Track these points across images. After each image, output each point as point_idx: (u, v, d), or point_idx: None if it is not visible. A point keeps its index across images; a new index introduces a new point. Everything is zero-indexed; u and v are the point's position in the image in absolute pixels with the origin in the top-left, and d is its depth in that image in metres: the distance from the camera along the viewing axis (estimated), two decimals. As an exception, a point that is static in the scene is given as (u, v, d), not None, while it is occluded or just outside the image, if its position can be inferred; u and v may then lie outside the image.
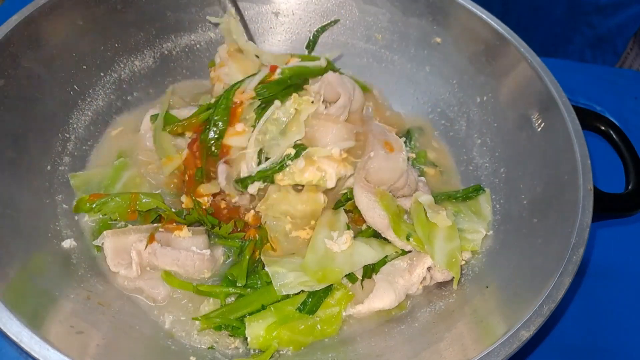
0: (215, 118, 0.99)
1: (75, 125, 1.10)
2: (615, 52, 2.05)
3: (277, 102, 1.00)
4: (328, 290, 0.90)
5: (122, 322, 0.85)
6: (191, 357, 0.84)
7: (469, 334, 0.85)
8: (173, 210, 0.98)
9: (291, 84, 1.05)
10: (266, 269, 0.89)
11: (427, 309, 0.94)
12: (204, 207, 0.98)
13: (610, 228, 1.22)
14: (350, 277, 0.92)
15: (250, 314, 0.88)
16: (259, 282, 0.91)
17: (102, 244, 0.91)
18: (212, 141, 1.00)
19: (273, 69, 1.06)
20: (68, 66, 1.09)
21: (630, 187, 1.02)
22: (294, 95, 1.01)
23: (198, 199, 0.98)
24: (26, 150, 0.97)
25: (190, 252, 0.91)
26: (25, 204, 0.92)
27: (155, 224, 0.96)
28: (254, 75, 1.07)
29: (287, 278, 0.87)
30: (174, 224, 0.95)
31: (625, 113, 1.42)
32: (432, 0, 1.22)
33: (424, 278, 0.94)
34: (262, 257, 0.92)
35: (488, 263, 0.97)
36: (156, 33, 1.24)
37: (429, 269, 0.94)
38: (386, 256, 0.95)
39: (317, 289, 0.88)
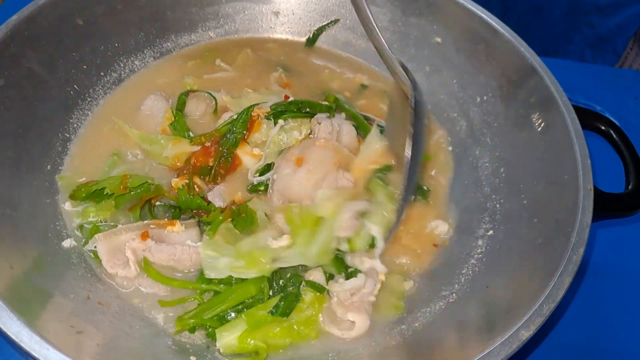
0: (234, 129, 1.06)
1: (75, 125, 1.10)
2: (615, 52, 2.05)
3: (281, 121, 1.07)
4: (298, 293, 0.90)
5: (122, 322, 0.85)
6: (191, 357, 0.84)
7: (469, 333, 0.86)
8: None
9: (302, 107, 1.11)
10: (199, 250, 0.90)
11: (427, 309, 0.94)
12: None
13: (610, 228, 1.22)
14: (316, 287, 0.92)
15: (223, 314, 0.87)
16: (234, 279, 0.90)
17: (95, 247, 0.91)
18: (228, 147, 1.05)
19: (286, 97, 1.14)
20: (68, 66, 1.09)
21: (630, 187, 1.02)
22: (300, 119, 1.08)
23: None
24: (26, 150, 0.97)
25: (186, 247, 0.90)
26: (26, 203, 0.92)
27: (146, 221, 0.95)
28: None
29: (218, 262, 0.88)
30: (165, 219, 0.96)
31: (625, 113, 1.42)
32: (432, 0, 1.22)
33: (373, 282, 0.93)
34: (203, 240, 0.92)
35: (488, 263, 0.97)
36: (156, 33, 1.24)
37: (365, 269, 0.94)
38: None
39: (247, 277, 0.88)
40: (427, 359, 0.83)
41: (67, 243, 0.93)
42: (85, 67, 1.12)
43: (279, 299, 0.89)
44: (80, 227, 0.96)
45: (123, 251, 0.90)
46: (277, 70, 1.25)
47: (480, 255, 1.00)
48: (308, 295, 0.91)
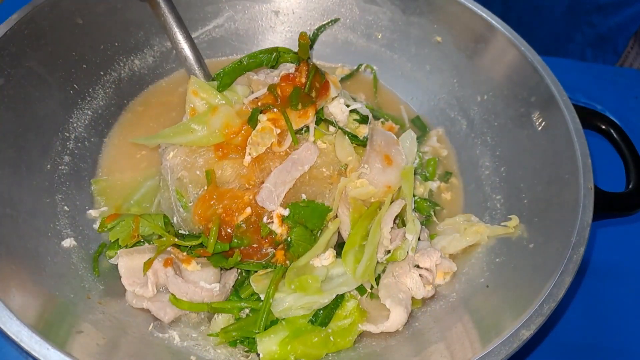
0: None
1: (75, 125, 1.09)
2: (615, 51, 2.05)
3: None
4: (338, 302, 0.89)
5: (122, 322, 0.85)
6: (191, 357, 0.84)
7: (469, 333, 0.85)
8: (182, 232, 0.94)
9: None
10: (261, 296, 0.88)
11: (428, 309, 0.94)
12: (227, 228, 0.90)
13: (610, 227, 1.22)
14: (360, 289, 0.91)
15: (267, 327, 0.86)
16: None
17: (116, 262, 0.90)
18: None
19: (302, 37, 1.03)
20: (68, 65, 1.09)
21: (630, 186, 1.02)
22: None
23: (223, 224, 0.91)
24: (26, 150, 0.97)
25: (199, 289, 0.88)
26: (25, 203, 0.92)
27: (170, 248, 0.92)
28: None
29: (285, 303, 0.86)
30: (184, 254, 0.91)
31: (625, 112, 1.42)
32: (433, 0, 1.22)
33: (425, 277, 0.93)
34: (252, 283, 0.89)
35: (489, 262, 0.97)
36: (156, 32, 1.24)
37: (422, 268, 0.93)
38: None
39: (318, 307, 0.86)
40: (427, 359, 0.83)
41: (66, 243, 0.93)
42: (85, 66, 1.12)
43: (319, 308, 0.87)
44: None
45: (141, 271, 0.88)
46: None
47: (480, 255, 1.00)
48: (350, 303, 0.89)
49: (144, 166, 1.09)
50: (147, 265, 0.88)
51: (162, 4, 1.03)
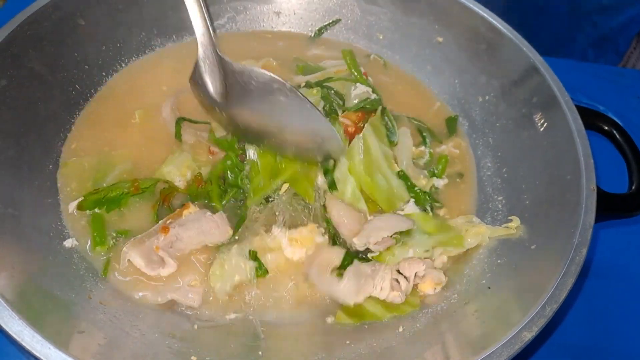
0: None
1: (77, 125, 1.09)
2: (617, 52, 2.04)
3: None
4: None
5: (123, 321, 0.85)
6: (192, 357, 0.84)
7: (470, 334, 0.85)
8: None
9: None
10: None
11: (429, 310, 0.94)
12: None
13: (613, 228, 1.22)
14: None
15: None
16: None
17: (128, 260, 0.90)
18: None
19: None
20: (70, 66, 1.09)
21: (633, 187, 1.01)
22: None
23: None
24: (28, 150, 0.97)
25: (210, 216, 0.93)
26: (27, 203, 0.92)
27: (160, 221, 0.96)
28: None
29: None
30: (178, 210, 0.97)
31: (628, 113, 1.41)
32: (434, 0, 1.21)
33: (398, 283, 0.93)
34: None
35: (490, 263, 0.97)
36: (158, 33, 1.24)
37: (402, 274, 0.93)
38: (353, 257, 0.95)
39: None
40: (428, 360, 0.83)
41: (68, 242, 0.93)
42: (87, 67, 1.13)
43: None
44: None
45: (154, 255, 0.90)
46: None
47: (482, 256, 0.99)
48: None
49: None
50: (154, 207, 0.96)
51: None
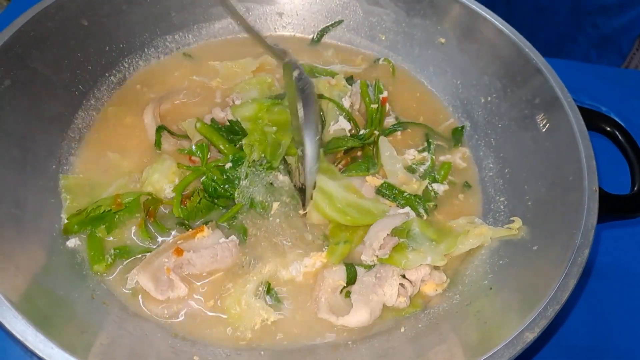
0: None
1: (80, 126, 1.10)
2: (620, 53, 2.04)
3: None
4: None
5: (126, 322, 0.86)
6: (195, 357, 0.84)
7: (472, 335, 0.85)
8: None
9: None
10: None
11: (431, 310, 0.94)
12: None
13: (615, 229, 1.21)
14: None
15: None
16: None
17: (136, 282, 0.88)
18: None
19: None
20: (73, 66, 1.09)
21: (635, 189, 1.01)
22: None
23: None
24: (32, 150, 0.98)
25: (224, 244, 0.91)
26: (31, 203, 0.92)
27: (171, 239, 0.94)
28: None
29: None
30: (190, 230, 0.95)
31: (630, 114, 1.41)
32: (436, 1, 1.21)
33: (404, 288, 0.93)
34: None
35: (492, 264, 0.97)
36: (160, 33, 1.25)
37: (407, 279, 0.93)
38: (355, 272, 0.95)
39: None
40: (430, 360, 0.83)
41: (71, 243, 0.94)
42: (90, 67, 1.13)
43: None
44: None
45: (163, 276, 0.88)
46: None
47: (483, 257, 0.99)
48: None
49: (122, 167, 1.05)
50: (141, 225, 0.94)
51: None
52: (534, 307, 0.79)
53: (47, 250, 0.90)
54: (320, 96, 1.14)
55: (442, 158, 1.16)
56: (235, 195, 1.00)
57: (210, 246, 0.91)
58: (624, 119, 1.37)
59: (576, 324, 1.08)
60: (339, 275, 0.93)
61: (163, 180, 1.00)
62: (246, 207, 1.00)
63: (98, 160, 1.06)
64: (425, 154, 1.15)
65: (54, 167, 1.02)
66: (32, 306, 0.76)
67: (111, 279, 0.91)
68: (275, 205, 1.01)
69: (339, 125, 1.12)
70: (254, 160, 1.02)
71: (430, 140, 1.17)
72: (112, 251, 0.92)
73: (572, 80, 1.09)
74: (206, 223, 0.97)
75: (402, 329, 0.91)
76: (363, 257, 0.95)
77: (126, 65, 1.20)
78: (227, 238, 0.95)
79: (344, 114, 1.13)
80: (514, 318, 0.80)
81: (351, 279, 0.94)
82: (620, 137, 1.07)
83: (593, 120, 1.06)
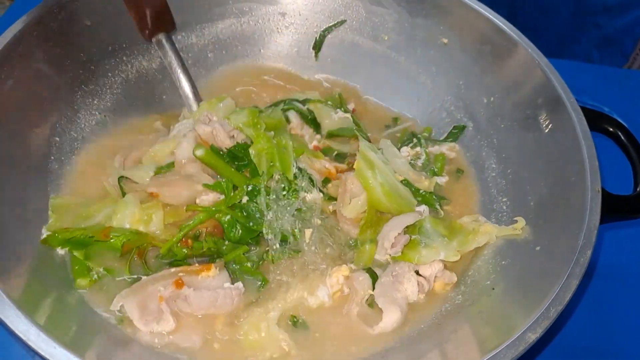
0: None
1: (83, 126, 1.10)
2: (622, 53, 2.03)
3: None
4: None
5: (128, 321, 0.86)
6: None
7: (474, 335, 0.85)
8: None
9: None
10: None
11: (433, 310, 0.94)
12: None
13: (618, 230, 1.21)
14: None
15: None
16: None
17: (121, 306, 0.81)
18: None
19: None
20: (76, 67, 1.10)
21: (638, 189, 1.01)
22: None
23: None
24: (34, 150, 0.98)
25: (228, 290, 0.83)
26: (34, 203, 0.93)
27: (173, 269, 0.86)
28: None
29: None
30: (197, 265, 0.87)
31: (633, 114, 1.40)
32: (439, 1, 1.21)
33: (421, 284, 0.93)
34: None
35: (494, 264, 0.97)
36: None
37: (419, 273, 0.93)
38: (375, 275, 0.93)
39: None
40: (432, 361, 0.83)
41: (61, 250, 0.92)
42: (93, 67, 1.13)
43: None
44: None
45: (153, 304, 0.81)
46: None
47: (486, 257, 0.99)
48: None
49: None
50: (127, 262, 0.85)
51: (166, 45, 1.15)
52: (536, 308, 0.78)
53: (49, 249, 0.90)
54: (310, 101, 1.16)
55: (430, 149, 1.18)
56: (264, 232, 0.89)
57: (213, 289, 0.83)
58: (627, 119, 1.36)
59: (579, 325, 1.08)
60: (367, 284, 0.91)
61: (138, 223, 0.88)
62: (276, 242, 0.90)
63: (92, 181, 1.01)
64: (418, 149, 1.16)
65: (56, 167, 1.02)
66: (34, 306, 0.76)
67: (95, 297, 0.86)
68: (308, 233, 0.92)
69: (341, 114, 1.14)
70: (268, 187, 0.91)
71: (418, 135, 1.19)
72: (100, 268, 0.86)
73: (575, 81, 1.09)
74: (213, 260, 0.89)
75: (405, 329, 0.91)
76: (376, 256, 0.95)
77: (129, 66, 1.20)
78: (233, 284, 0.86)
79: (342, 108, 1.16)
80: (516, 318, 0.80)
81: (374, 284, 0.92)
82: (623, 138, 1.07)
83: (596, 120, 1.06)
